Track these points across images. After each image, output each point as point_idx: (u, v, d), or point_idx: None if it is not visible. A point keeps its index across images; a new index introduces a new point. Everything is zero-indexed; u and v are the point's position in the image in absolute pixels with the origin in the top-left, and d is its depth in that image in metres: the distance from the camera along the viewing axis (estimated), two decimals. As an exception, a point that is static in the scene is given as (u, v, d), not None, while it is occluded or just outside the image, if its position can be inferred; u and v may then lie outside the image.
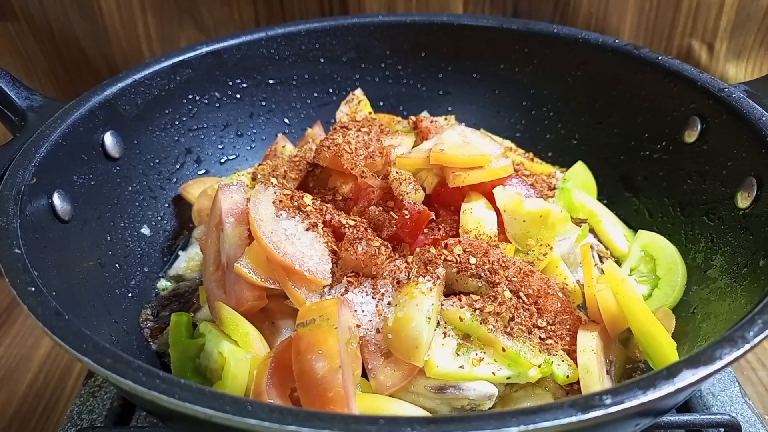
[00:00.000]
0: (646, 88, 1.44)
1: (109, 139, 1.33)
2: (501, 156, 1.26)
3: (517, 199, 1.20)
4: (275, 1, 1.84)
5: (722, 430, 1.14)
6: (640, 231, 1.38)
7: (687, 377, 0.71)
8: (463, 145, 1.26)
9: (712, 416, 1.12)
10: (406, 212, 1.16)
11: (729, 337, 0.77)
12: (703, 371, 0.72)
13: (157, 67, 1.45)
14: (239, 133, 1.66)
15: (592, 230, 1.37)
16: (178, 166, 1.55)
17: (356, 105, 1.52)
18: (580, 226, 1.30)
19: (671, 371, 0.71)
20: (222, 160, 1.64)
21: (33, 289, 0.87)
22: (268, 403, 0.69)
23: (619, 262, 1.35)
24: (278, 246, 1.06)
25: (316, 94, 1.71)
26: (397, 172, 1.22)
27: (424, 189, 1.24)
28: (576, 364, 1.06)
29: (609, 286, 1.11)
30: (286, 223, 1.11)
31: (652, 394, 0.69)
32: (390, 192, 1.22)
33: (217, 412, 0.68)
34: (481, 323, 1.04)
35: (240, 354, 1.04)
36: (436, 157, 1.23)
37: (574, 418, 0.67)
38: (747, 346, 0.75)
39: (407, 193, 1.19)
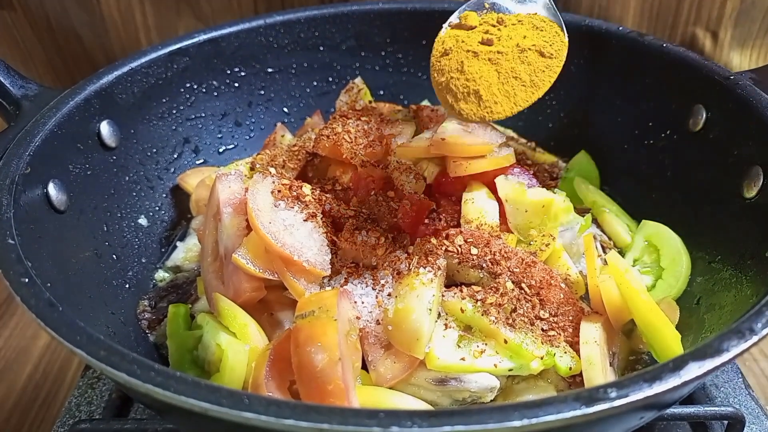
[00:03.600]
0: (650, 76, 1.42)
1: (105, 128, 1.31)
2: (503, 145, 1.25)
3: (520, 189, 1.19)
4: (274, -11, 1.83)
5: (726, 422, 1.13)
6: (643, 221, 1.36)
7: (693, 370, 0.70)
8: (464, 134, 1.25)
9: (716, 408, 1.11)
10: (407, 202, 1.14)
11: (736, 329, 0.75)
12: (709, 364, 0.71)
13: (153, 55, 1.43)
14: (237, 122, 1.64)
15: (595, 220, 1.35)
16: (175, 156, 1.53)
17: (356, 94, 1.50)
18: (583, 216, 1.28)
19: (677, 364, 0.70)
20: (220, 150, 1.63)
21: (27, 280, 0.86)
22: (265, 397, 0.68)
23: (622, 253, 1.33)
24: (276, 236, 1.04)
25: (315, 83, 1.69)
26: (397, 162, 1.21)
27: (424, 179, 1.22)
28: (579, 355, 1.04)
29: (612, 277, 1.09)
30: (284, 214, 1.09)
31: (658, 388, 0.67)
32: (390, 182, 1.20)
33: (213, 406, 0.67)
34: (482, 315, 1.02)
35: (238, 346, 1.03)
36: (436, 145, 1.21)
37: (578, 412, 0.65)
38: (755, 339, 0.74)
39: (407, 183, 1.17)
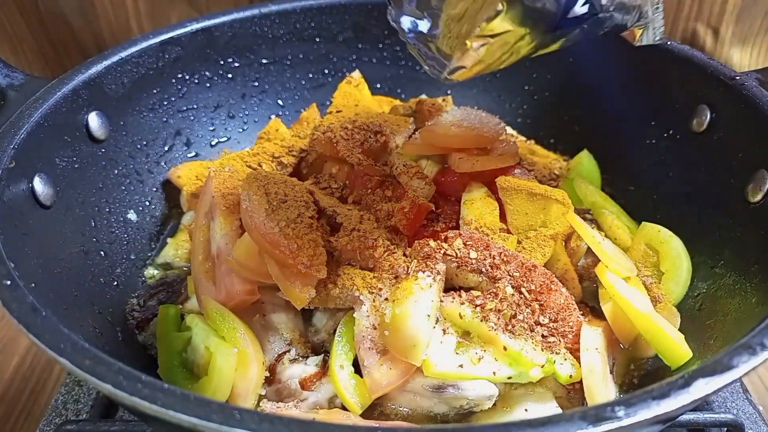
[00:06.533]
0: (654, 73, 1.39)
1: (93, 120, 1.28)
2: (507, 138, 1.22)
3: (520, 189, 1.16)
4: (270, -22, 1.79)
5: (725, 429, 1.12)
6: (643, 223, 1.33)
7: (702, 387, 0.68)
8: (460, 124, 1.21)
9: (715, 415, 1.10)
10: (405, 204, 1.10)
11: (746, 344, 0.73)
12: (719, 381, 0.69)
13: (144, 45, 1.39)
14: (231, 114, 1.61)
15: (595, 221, 1.33)
16: (166, 149, 1.50)
17: (354, 88, 1.46)
18: (583, 217, 1.26)
19: (687, 381, 0.68)
20: (213, 143, 1.59)
21: (9, 282, 0.83)
22: (257, 412, 0.65)
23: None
24: (271, 238, 1.01)
25: (311, 75, 1.66)
26: (404, 166, 1.17)
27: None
28: (578, 361, 1.02)
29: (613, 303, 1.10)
30: (279, 214, 1.06)
31: (667, 406, 0.66)
32: (387, 180, 1.17)
33: (202, 421, 0.64)
34: (481, 321, 1.00)
35: (227, 349, 1.00)
36: (425, 136, 1.18)
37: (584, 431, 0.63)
38: (766, 354, 0.72)
39: (419, 189, 1.13)
